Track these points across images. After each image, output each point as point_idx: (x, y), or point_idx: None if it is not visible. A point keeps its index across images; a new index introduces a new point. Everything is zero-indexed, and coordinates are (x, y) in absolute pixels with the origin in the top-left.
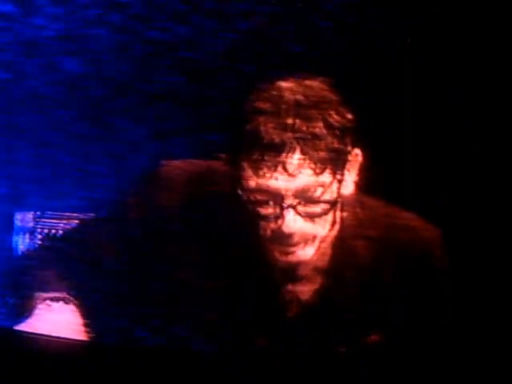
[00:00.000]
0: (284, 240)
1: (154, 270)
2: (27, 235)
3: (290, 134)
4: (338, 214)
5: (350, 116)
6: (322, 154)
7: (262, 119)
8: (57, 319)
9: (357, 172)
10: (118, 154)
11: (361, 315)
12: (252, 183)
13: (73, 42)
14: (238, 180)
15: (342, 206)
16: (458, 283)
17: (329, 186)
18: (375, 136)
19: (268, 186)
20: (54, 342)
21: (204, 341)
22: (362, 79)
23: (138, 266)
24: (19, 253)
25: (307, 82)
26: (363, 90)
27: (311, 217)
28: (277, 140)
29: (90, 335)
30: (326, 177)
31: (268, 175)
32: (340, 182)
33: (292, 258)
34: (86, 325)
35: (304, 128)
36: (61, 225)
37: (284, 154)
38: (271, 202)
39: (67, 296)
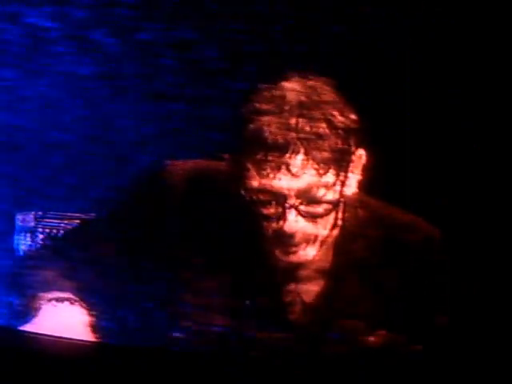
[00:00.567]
0: (286, 240)
1: (155, 270)
2: (28, 235)
3: (293, 135)
4: (340, 214)
5: (353, 116)
6: (326, 155)
7: (265, 119)
8: (60, 319)
9: (360, 172)
10: (120, 153)
11: (362, 315)
12: (255, 183)
13: (74, 42)
14: (240, 180)
15: (344, 206)
16: (459, 283)
17: (332, 187)
18: (375, 136)
19: (271, 186)
20: (57, 342)
21: (204, 341)
22: (362, 79)
23: (139, 266)
24: (21, 253)
25: (311, 83)
26: (363, 89)
27: (313, 217)
28: (280, 140)
29: (93, 335)
30: (330, 177)
31: (271, 175)
32: (343, 182)
33: (294, 258)
34: (88, 325)
35: (307, 128)
36: (62, 225)
37: (287, 155)
38: (274, 202)
39: (71, 296)
